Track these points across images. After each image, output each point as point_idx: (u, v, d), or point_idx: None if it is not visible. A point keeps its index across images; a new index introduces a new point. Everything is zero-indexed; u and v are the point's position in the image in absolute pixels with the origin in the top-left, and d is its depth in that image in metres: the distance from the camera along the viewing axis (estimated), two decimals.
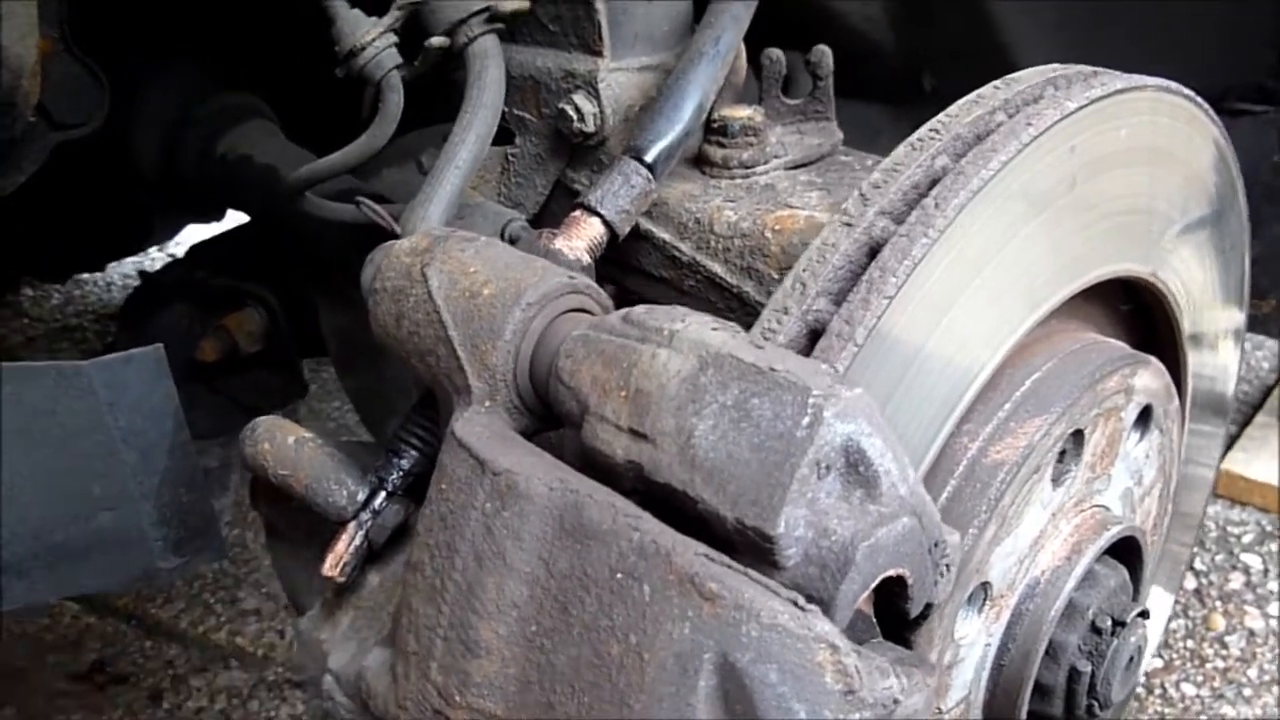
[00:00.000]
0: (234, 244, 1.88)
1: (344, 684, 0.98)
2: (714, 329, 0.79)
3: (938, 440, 0.93)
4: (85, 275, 3.98)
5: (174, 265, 1.92)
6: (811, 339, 0.88)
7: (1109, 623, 1.02)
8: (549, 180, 1.31)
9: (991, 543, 0.96)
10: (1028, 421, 0.98)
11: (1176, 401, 1.19)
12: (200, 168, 1.69)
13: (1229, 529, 2.58)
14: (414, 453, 0.99)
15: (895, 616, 0.81)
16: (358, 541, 0.98)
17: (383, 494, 0.98)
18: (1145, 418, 1.12)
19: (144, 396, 1.35)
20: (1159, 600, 1.90)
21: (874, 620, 0.82)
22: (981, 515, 0.95)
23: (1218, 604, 2.40)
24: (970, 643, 0.97)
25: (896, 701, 0.72)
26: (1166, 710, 2.19)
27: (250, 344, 1.74)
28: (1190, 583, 2.46)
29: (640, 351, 0.78)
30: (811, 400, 0.72)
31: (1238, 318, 1.43)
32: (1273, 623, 2.35)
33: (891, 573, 0.75)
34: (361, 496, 0.98)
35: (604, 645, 0.75)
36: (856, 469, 0.73)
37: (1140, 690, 2.23)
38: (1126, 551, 1.09)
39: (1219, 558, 2.51)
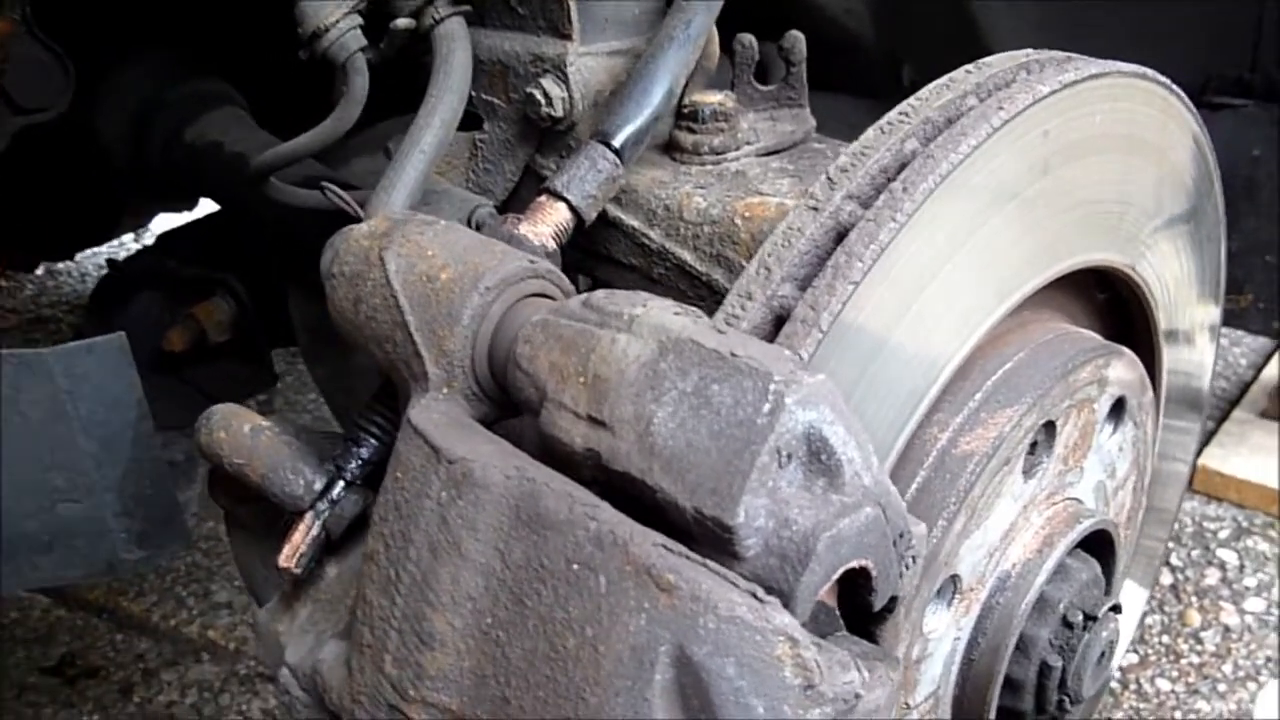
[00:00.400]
0: (204, 232, 1.86)
1: (300, 677, 0.96)
2: (675, 314, 0.77)
3: (905, 430, 0.91)
4: (59, 265, 3.95)
5: (143, 254, 1.89)
6: (776, 325, 0.86)
7: (1080, 617, 1.01)
8: (518, 166, 1.29)
9: (961, 535, 0.94)
10: (999, 412, 0.96)
11: (1151, 394, 1.17)
12: (168, 154, 1.66)
13: (1205, 525, 2.57)
14: (373, 441, 0.97)
15: (859, 609, 0.79)
16: (314, 532, 0.96)
17: (340, 484, 0.96)
18: (1119, 410, 1.11)
19: (106, 385, 1.33)
20: (1133, 595, 1.89)
21: (837, 613, 0.80)
22: (951, 507, 0.93)
23: (1193, 599, 2.40)
24: (939, 637, 0.96)
25: (858, 696, 0.70)
26: (1141, 705, 2.18)
27: (219, 333, 1.72)
28: (1166, 578, 2.45)
29: (599, 337, 0.77)
30: (773, 387, 0.70)
31: (1214, 312, 1.42)
32: (1248, 618, 2.34)
33: (854, 564, 0.73)
34: (319, 486, 0.96)
35: (560, 638, 0.73)
36: (819, 457, 0.71)
37: (1115, 686, 2.22)
38: (1099, 545, 1.08)
39: (1195, 553, 2.51)
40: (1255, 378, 2.94)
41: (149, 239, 2.44)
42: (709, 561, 0.70)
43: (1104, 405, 1.08)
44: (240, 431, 0.99)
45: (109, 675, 2.41)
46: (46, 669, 2.42)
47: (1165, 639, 2.31)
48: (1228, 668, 2.25)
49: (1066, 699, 1.02)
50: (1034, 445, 1.01)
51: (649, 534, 0.72)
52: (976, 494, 0.94)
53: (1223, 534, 2.55)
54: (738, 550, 0.70)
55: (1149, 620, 2.36)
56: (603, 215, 1.14)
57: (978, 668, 0.99)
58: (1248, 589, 2.41)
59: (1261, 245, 2.03)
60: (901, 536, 0.76)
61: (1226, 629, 2.33)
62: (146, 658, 2.47)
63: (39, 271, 3.75)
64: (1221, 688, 2.18)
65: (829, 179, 0.91)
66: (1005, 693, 1.01)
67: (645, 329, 0.75)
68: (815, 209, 0.89)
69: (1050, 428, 1.01)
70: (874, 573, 0.75)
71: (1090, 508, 1.10)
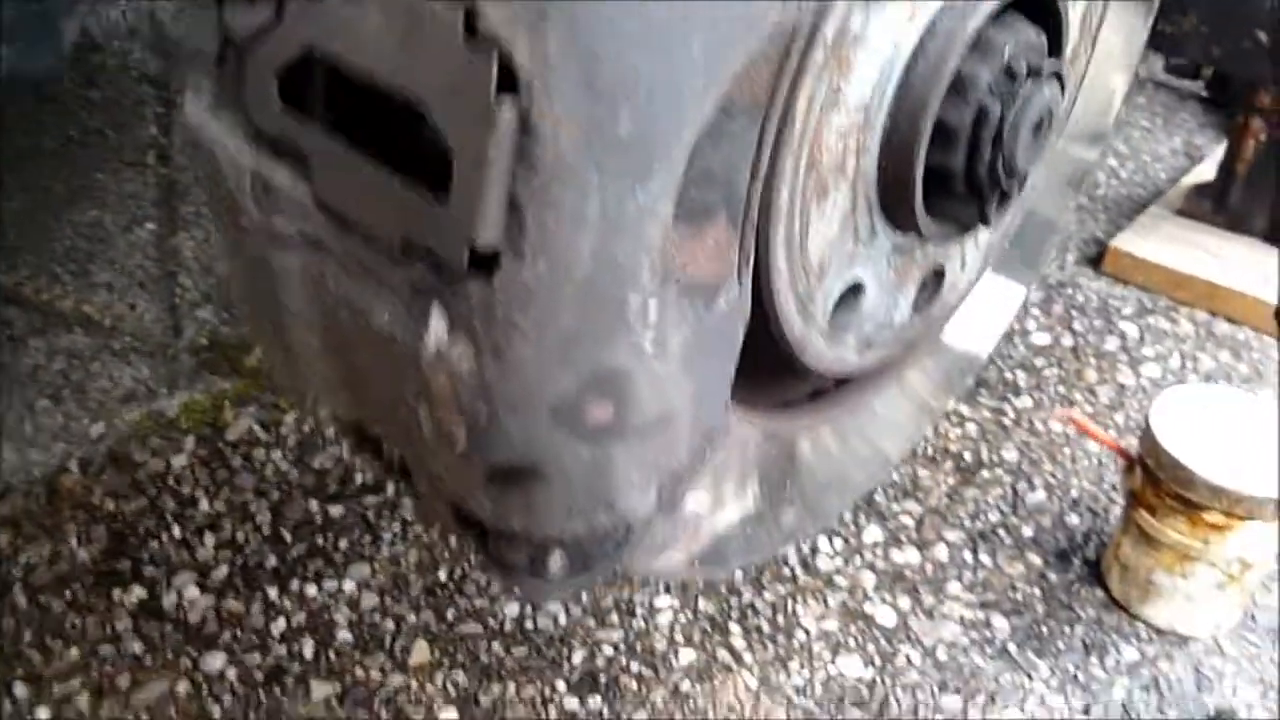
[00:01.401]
0: None
1: None
2: None
3: None
4: None
5: None
6: None
7: (1024, 67, 0.96)
8: None
9: None
10: None
11: None
12: None
13: (1110, 302, 2.59)
14: None
15: None
16: None
17: None
18: None
19: None
20: (1011, 291, 1.88)
21: None
22: None
23: (1092, 360, 2.41)
24: (878, 37, 0.90)
25: None
26: (1032, 440, 2.19)
27: None
28: (1067, 340, 2.46)
29: None
30: None
31: None
32: (1144, 381, 2.37)
33: None
34: None
35: None
36: None
37: (1007, 423, 2.23)
38: (1043, 15, 1.02)
39: (1097, 323, 2.52)
40: (1171, 185, 2.95)
41: None
42: None
43: None
44: None
45: None
46: None
47: (1061, 389, 2.32)
48: (1119, 418, 2.27)
49: (1000, 159, 0.96)
50: None
51: None
52: None
53: (1126, 310, 2.57)
54: None
55: (1047, 373, 2.37)
56: None
57: (913, 95, 0.93)
58: (1146, 357, 2.43)
59: None
60: None
61: (1122, 387, 2.35)
62: (13, 325, 2.34)
63: None
64: (1112, 433, 2.20)
65: None
66: (937, 144, 0.96)
67: None
68: None
69: None
70: None
71: None
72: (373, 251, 0.70)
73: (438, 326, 0.67)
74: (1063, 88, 0.99)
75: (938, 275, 1.15)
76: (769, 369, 0.99)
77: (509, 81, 0.60)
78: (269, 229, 0.74)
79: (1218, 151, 2.98)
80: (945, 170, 0.96)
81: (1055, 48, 1.02)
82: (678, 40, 0.61)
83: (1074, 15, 1.05)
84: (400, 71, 0.63)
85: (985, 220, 1.02)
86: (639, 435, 0.73)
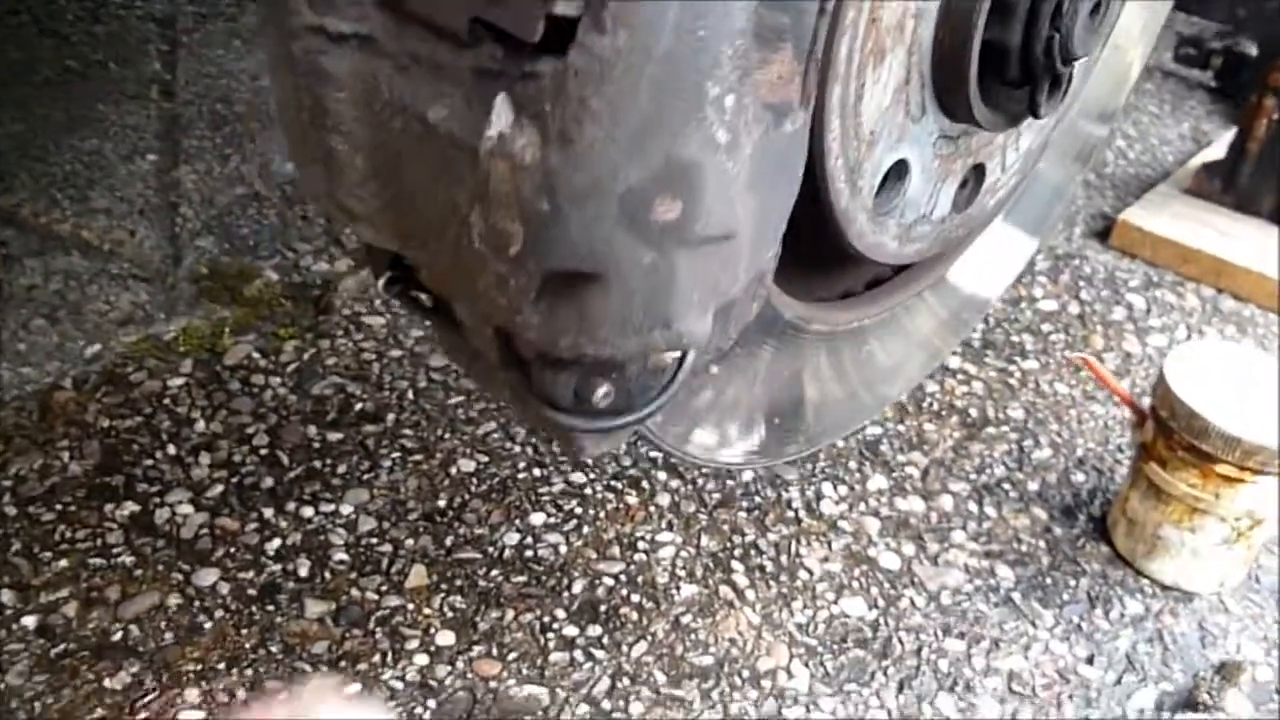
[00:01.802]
0: None
1: None
2: None
3: None
4: None
5: None
6: None
7: None
8: None
9: None
10: None
11: None
12: None
13: (1117, 274, 2.58)
14: None
15: None
16: None
17: None
18: None
19: None
20: (1021, 242, 1.87)
21: None
22: None
23: (1099, 328, 2.40)
24: None
25: None
26: (1039, 401, 2.18)
27: None
28: (1074, 308, 2.45)
29: None
30: None
31: None
32: (1150, 349, 2.36)
33: None
34: None
35: None
36: None
37: (1013, 383, 2.21)
38: None
39: (1105, 293, 2.51)
40: (1179, 166, 2.95)
41: None
42: None
43: None
44: None
45: None
46: None
47: (1068, 353, 2.31)
48: (1125, 384, 2.25)
49: (1056, 38, 0.94)
50: None
51: None
52: None
53: (1133, 283, 2.56)
54: None
55: (1054, 338, 2.36)
56: None
57: None
58: (1152, 327, 2.42)
59: None
60: None
61: (1128, 354, 2.34)
62: (10, 245, 2.29)
63: None
64: (1116, 398, 2.18)
65: None
66: (995, 13, 0.93)
67: None
68: None
69: None
70: None
71: None
72: (434, 42, 0.67)
73: (502, 113, 0.64)
74: None
75: (978, 172, 1.13)
76: (808, 255, 0.97)
77: None
78: (321, 30, 0.71)
79: (1225, 137, 2.98)
80: (1001, 47, 0.94)
81: None
82: None
83: None
84: None
85: (1036, 111, 1.00)
86: (703, 244, 0.70)
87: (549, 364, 0.77)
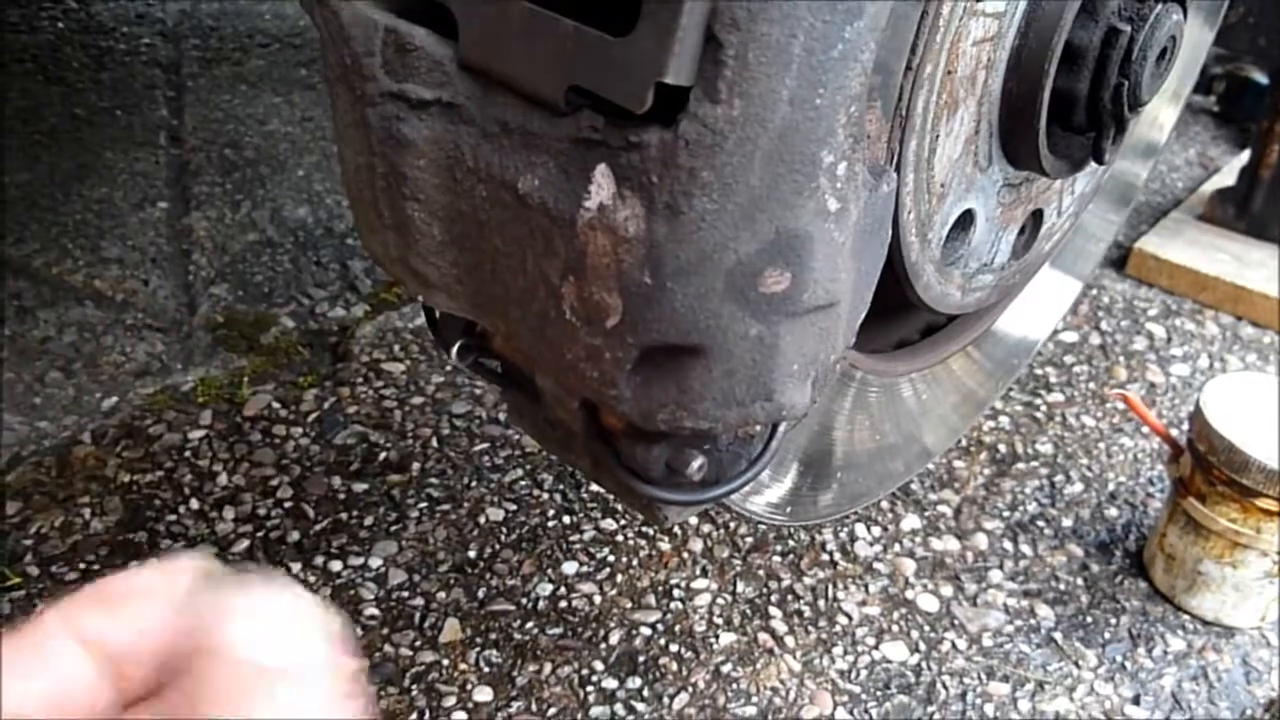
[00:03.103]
0: None
1: None
2: None
3: None
4: None
5: None
6: None
7: None
8: None
9: None
10: None
11: None
12: None
13: (1136, 303, 2.57)
14: None
15: None
16: None
17: None
18: None
19: None
20: (1064, 287, 1.85)
21: None
22: None
23: (1121, 359, 2.39)
24: None
25: None
26: (1066, 434, 2.16)
27: None
28: (1095, 339, 2.44)
29: None
30: None
31: None
32: (1174, 379, 2.34)
33: None
34: None
35: None
36: None
37: (1040, 417, 2.20)
38: None
39: (1125, 323, 2.50)
40: (1191, 193, 2.95)
41: None
42: None
43: None
44: None
45: None
46: None
47: (1092, 385, 2.30)
48: (1152, 415, 2.23)
49: (1125, 85, 0.93)
50: None
51: None
52: None
53: (1152, 311, 2.55)
54: None
55: (1077, 370, 2.34)
56: None
57: (1045, 10, 0.90)
58: (1174, 356, 2.41)
59: None
60: None
61: (1152, 385, 2.33)
62: (23, 297, 2.27)
63: None
64: (1145, 429, 2.17)
65: None
66: (1064, 67, 0.92)
67: None
68: None
69: None
70: None
71: None
72: (525, 109, 0.64)
73: (602, 184, 0.62)
74: (1185, 14, 0.96)
75: (1036, 218, 1.11)
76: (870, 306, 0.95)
77: None
78: (401, 96, 0.69)
79: (1233, 163, 2.99)
80: (1069, 94, 0.93)
81: None
82: None
83: None
84: None
85: (1100, 157, 0.98)
86: (808, 316, 0.68)
87: (641, 437, 0.75)
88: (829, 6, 0.57)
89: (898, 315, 1.12)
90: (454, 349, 0.86)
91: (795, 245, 0.64)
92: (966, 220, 0.97)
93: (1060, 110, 0.94)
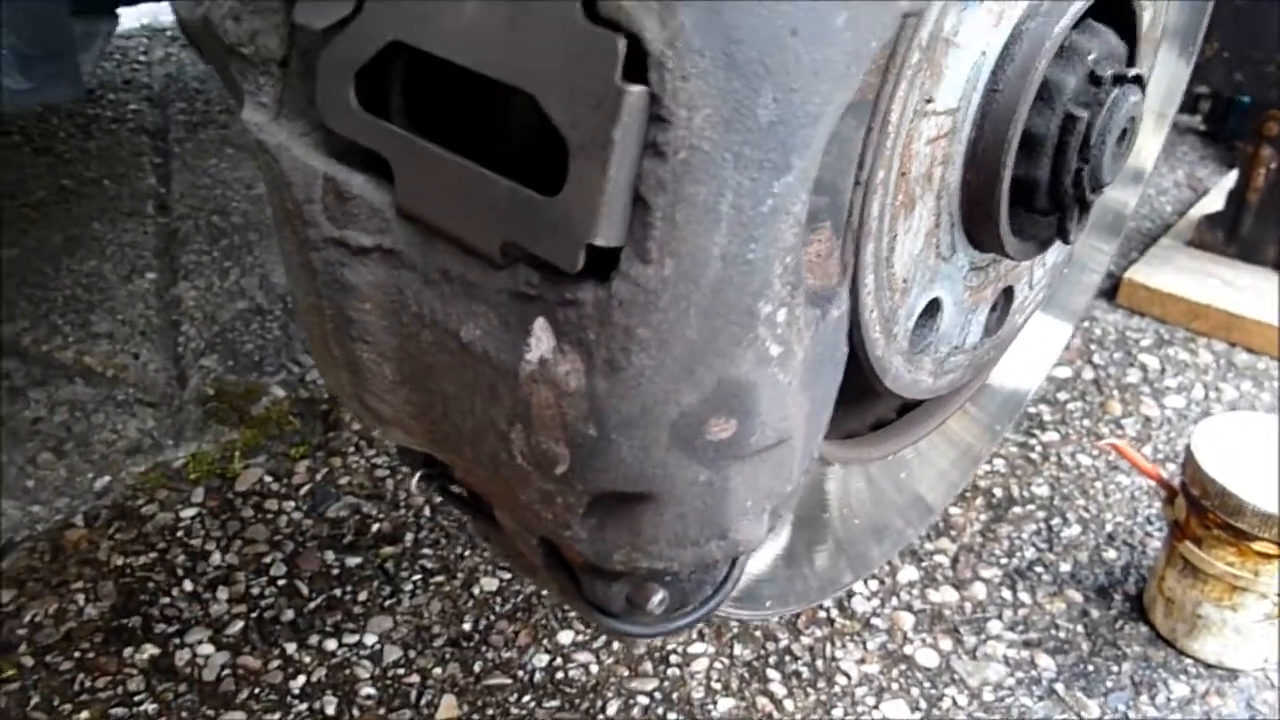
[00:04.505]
0: None
1: None
2: None
3: None
4: None
5: None
6: None
7: (1109, 73, 0.92)
8: None
9: None
10: None
11: None
12: None
13: (1128, 334, 2.56)
14: None
15: None
16: None
17: None
18: None
19: None
20: (1057, 330, 1.84)
21: None
22: None
23: (1115, 393, 2.38)
24: (966, 43, 0.86)
25: None
26: (1062, 475, 2.14)
27: None
28: (1089, 374, 2.43)
29: None
30: None
31: None
32: (1169, 412, 2.33)
33: None
34: None
35: None
36: None
37: (1035, 458, 2.19)
38: (1119, 17, 0.99)
39: (1117, 355, 2.49)
40: (1180, 217, 2.94)
41: None
42: None
43: None
44: None
45: None
46: None
47: (1087, 422, 2.28)
48: (1147, 450, 2.22)
49: (1084, 168, 0.93)
50: None
51: None
52: None
53: (1145, 342, 2.54)
54: None
55: (1071, 406, 2.33)
56: None
57: (1000, 103, 0.90)
58: (1168, 388, 2.40)
59: None
60: None
61: (1147, 419, 2.32)
62: (12, 377, 2.27)
63: None
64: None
65: None
66: (1023, 151, 0.92)
67: None
68: None
69: None
70: None
71: None
72: (465, 261, 0.64)
73: (542, 338, 0.61)
74: (1144, 94, 0.96)
75: (1007, 295, 1.11)
76: (840, 396, 0.94)
77: (635, 62, 0.55)
78: (342, 242, 0.68)
79: (1221, 184, 2.98)
80: (1029, 182, 0.92)
81: (1132, 56, 0.99)
82: (825, 10, 0.56)
83: (1146, 17, 1.02)
84: (505, 60, 0.59)
85: (1065, 236, 0.98)
86: (758, 456, 0.67)
87: (600, 574, 0.74)
88: (756, 164, 0.57)
89: (869, 401, 1.12)
90: (415, 478, 0.85)
91: (738, 393, 0.63)
92: (933, 308, 0.97)
93: (1022, 196, 0.94)
